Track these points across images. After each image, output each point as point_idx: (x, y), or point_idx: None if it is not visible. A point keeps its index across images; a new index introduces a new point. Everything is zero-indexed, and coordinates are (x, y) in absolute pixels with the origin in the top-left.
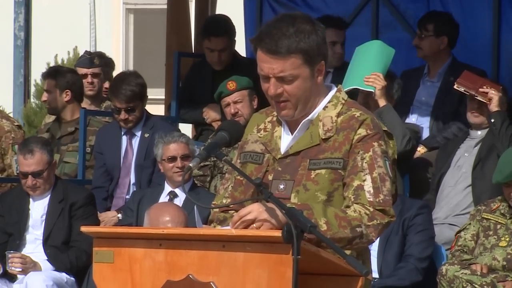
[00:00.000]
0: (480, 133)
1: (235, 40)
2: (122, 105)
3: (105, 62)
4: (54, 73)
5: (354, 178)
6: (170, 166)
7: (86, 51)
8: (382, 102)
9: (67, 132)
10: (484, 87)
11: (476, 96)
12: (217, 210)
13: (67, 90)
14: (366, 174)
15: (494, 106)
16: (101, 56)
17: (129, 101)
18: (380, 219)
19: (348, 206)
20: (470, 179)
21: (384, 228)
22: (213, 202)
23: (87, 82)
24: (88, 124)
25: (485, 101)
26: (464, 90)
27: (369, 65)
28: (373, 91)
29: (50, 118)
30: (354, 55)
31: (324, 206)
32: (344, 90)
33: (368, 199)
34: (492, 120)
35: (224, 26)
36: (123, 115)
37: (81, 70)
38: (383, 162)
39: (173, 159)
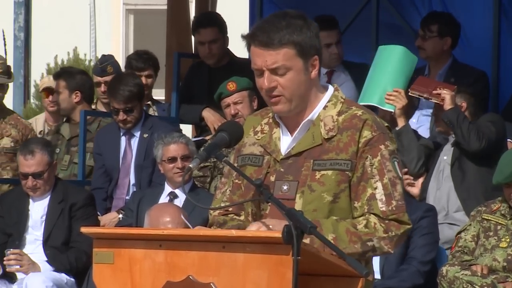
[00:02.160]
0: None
1: (227, 37)
2: (120, 105)
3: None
4: (64, 74)
5: (365, 186)
6: (170, 167)
7: (101, 56)
8: (401, 122)
9: (77, 133)
10: (438, 88)
11: (431, 99)
12: (216, 213)
13: (77, 91)
14: (377, 181)
15: (447, 105)
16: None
17: (127, 102)
18: (395, 230)
19: (364, 217)
20: (451, 180)
21: (403, 237)
22: (210, 207)
23: (101, 92)
24: (98, 126)
25: (438, 102)
26: (418, 95)
27: (391, 79)
28: (392, 110)
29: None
30: (375, 59)
31: (335, 221)
32: (362, 103)
33: (381, 209)
34: (446, 120)
35: (210, 18)
36: (121, 116)
37: (96, 78)
38: (392, 165)
39: (173, 159)
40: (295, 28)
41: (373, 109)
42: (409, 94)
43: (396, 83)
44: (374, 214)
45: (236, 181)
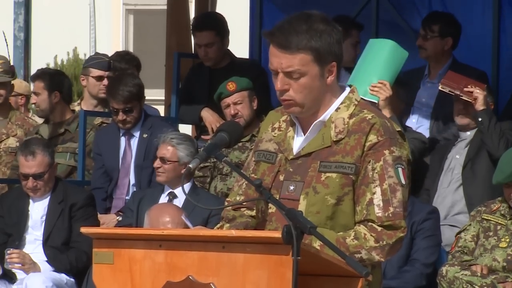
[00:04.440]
0: (469, 134)
1: (227, 39)
2: (119, 106)
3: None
4: (42, 75)
5: (365, 190)
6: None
7: (102, 54)
8: (386, 113)
9: (57, 133)
10: (469, 86)
11: (462, 96)
12: (228, 207)
13: (56, 92)
14: (377, 186)
15: (480, 105)
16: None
17: (127, 102)
18: (387, 239)
19: (353, 229)
20: (461, 180)
21: (396, 246)
22: (227, 199)
23: (103, 85)
24: (77, 126)
25: (470, 101)
26: (449, 91)
27: (377, 71)
28: (376, 102)
29: None
30: (364, 51)
31: (327, 230)
32: None
33: (377, 214)
34: (480, 119)
35: (208, 21)
36: (121, 116)
37: (97, 72)
38: (394, 171)
39: (158, 158)
40: (315, 33)
41: None
42: (440, 88)
43: (382, 76)
44: (370, 219)
45: (253, 175)
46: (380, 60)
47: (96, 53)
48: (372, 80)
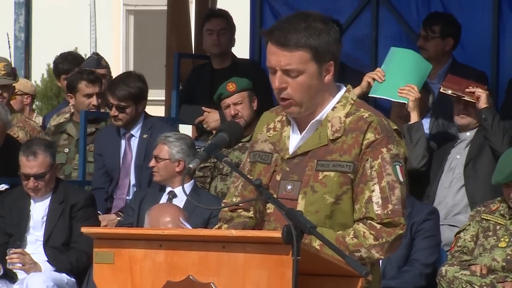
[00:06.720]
0: (469, 134)
1: (234, 38)
2: (114, 101)
3: None
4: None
5: (364, 188)
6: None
7: (94, 52)
8: (414, 116)
9: (87, 132)
10: (470, 87)
11: (464, 97)
12: (226, 209)
13: None
14: (375, 183)
15: (482, 103)
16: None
17: (122, 100)
18: (387, 237)
19: (352, 227)
20: (463, 179)
21: (395, 243)
22: (223, 201)
23: None
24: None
25: (472, 101)
26: (451, 93)
27: (404, 77)
28: (406, 102)
29: None
30: (387, 58)
31: (326, 229)
32: (373, 95)
33: (376, 212)
34: (483, 116)
35: (223, 12)
36: (113, 112)
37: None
38: (392, 169)
39: (153, 158)
40: (313, 32)
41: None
42: (441, 90)
43: (409, 81)
44: (369, 217)
45: (248, 176)
46: (406, 67)
47: (92, 53)
48: (400, 84)
